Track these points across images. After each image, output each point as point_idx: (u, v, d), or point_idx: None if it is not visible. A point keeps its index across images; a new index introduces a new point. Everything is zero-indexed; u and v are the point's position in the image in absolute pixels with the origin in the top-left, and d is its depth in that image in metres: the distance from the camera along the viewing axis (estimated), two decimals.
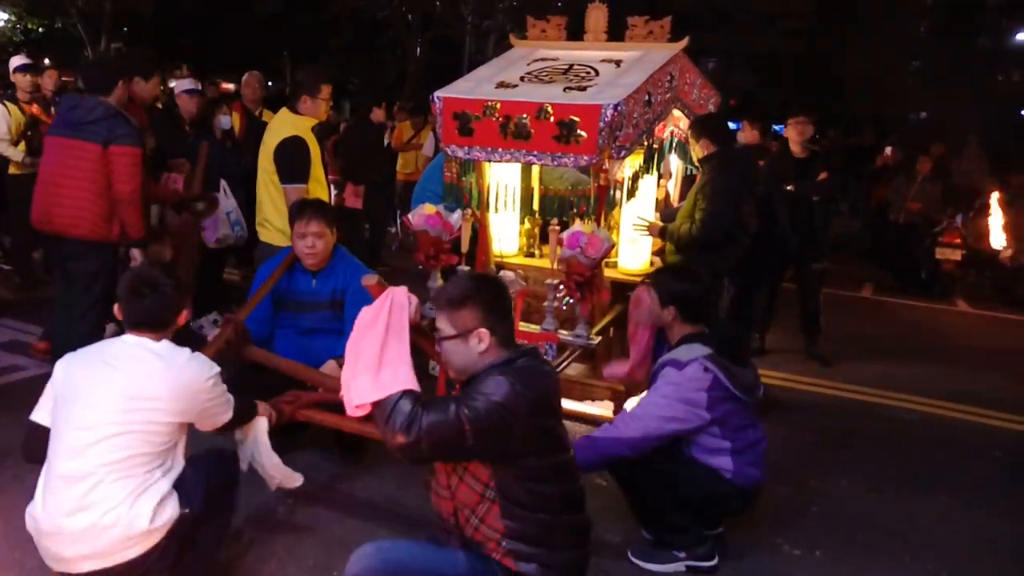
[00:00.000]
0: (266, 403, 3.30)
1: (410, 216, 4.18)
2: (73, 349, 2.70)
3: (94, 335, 4.52)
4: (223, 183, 5.76)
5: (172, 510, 2.62)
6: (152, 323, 2.69)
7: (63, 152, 4.38)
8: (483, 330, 2.39)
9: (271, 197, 4.71)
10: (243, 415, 2.99)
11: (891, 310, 8.67)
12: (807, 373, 6.01)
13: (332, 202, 5.82)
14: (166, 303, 2.70)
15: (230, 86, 23.85)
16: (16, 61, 6.83)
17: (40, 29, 21.84)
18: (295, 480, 3.14)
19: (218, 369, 2.76)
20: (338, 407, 3.28)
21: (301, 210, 3.99)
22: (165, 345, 2.70)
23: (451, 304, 2.43)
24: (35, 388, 4.18)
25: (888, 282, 9.74)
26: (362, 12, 19.59)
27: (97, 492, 2.51)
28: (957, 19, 27.13)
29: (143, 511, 2.55)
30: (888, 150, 12.04)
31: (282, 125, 4.69)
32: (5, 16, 21.11)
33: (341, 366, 3.65)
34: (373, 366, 2.31)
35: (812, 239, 6.02)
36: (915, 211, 9.53)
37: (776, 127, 9.99)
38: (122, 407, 2.53)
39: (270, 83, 30.75)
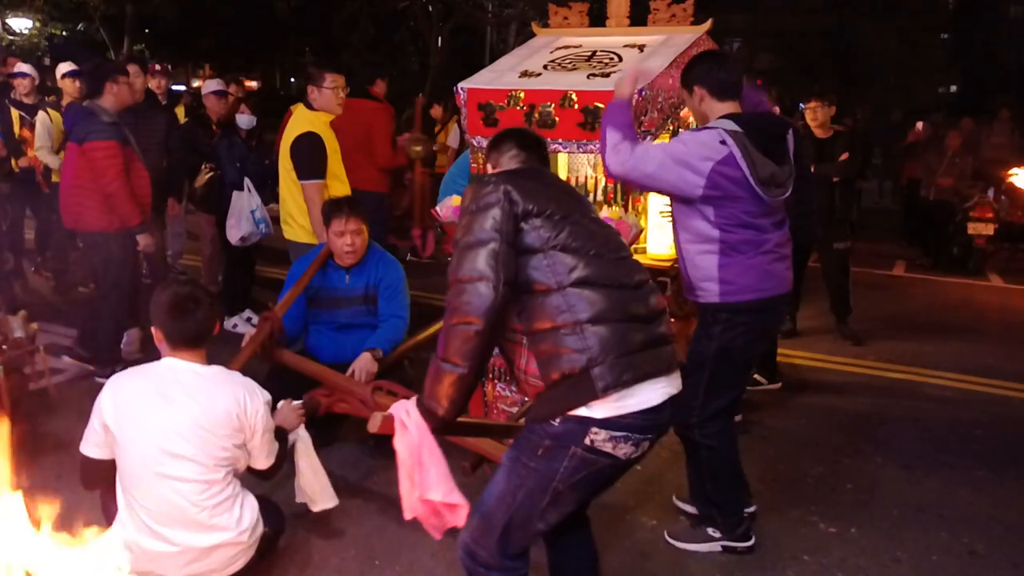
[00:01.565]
0: (308, 395, 3.38)
1: (438, 208, 4.22)
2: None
3: (110, 322, 4.87)
4: (247, 181, 5.83)
5: (259, 525, 2.78)
6: (201, 338, 2.70)
7: (66, 156, 4.92)
8: (488, 165, 2.60)
9: (292, 194, 4.75)
10: (281, 456, 2.99)
11: (924, 287, 8.59)
12: (840, 352, 5.98)
13: None
14: (211, 316, 2.73)
15: (253, 84, 24.01)
16: (64, 67, 6.93)
17: (63, 33, 22.11)
18: (331, 501, 3.23)
19: (269, 397, 2.82)
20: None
21: (338, 208, 3.99)
22: (217, 370, 2.72)
23: None
24: (75, 389, 4.32)
25: (920, 259, 9.65)
26: (383, 4, 19.63)
27: (189, 521, 2.63)
28: None
29: (246, 522, 2.72)
30: (919, 126, 11.86)
31: (298, 122, 4.73)
32: (29, 23, 21.39)
33: (375, 357, 3.78)
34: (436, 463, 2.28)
35: (832, 219, 5.98)
36: (946, 187, 9.41)
37: (802, 105, 9.88)
38: (194, 436, 2.59)
39: (292, 79, 30.98)
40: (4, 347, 3.93)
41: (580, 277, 2.18)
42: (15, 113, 6.72)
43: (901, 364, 5.79)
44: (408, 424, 2.25)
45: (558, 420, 2.18)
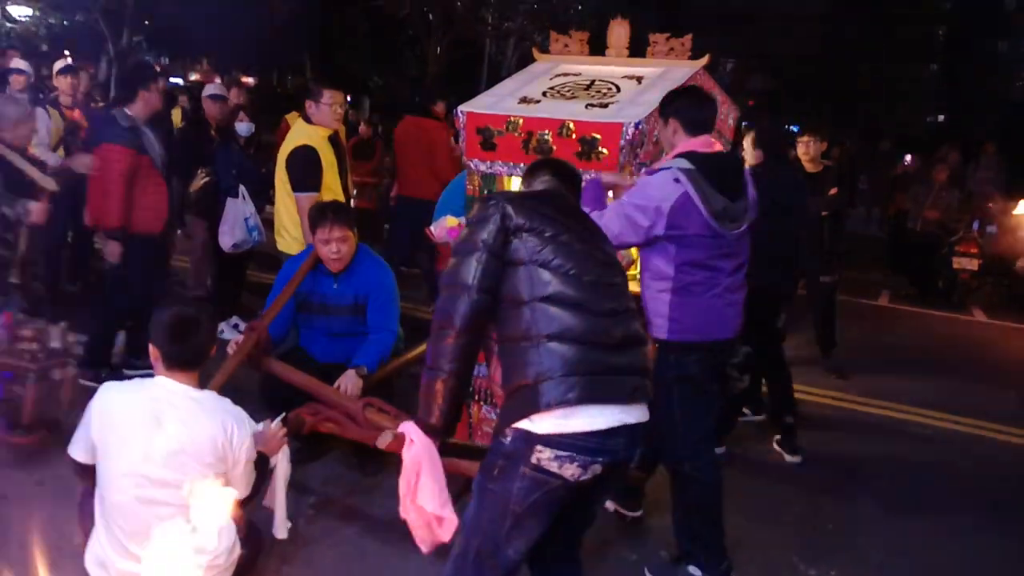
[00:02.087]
0: (294, 413, 3.37)
1: (433, 228, 4.22)
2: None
3: (107, 324, 4.94)
4: (242, 189, 5.83)
5: (237, 547, 2.73)
6: (197, 362, 2.68)
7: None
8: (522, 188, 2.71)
9: (287, 206, 4.76)
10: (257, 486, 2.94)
11: (908, 319, 8.68)
12: (824, 386, 6.01)
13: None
14: (211, 339, 2.72)
15: (250, 80, 23.92)
16: (59, 64, 6.90)
17: (65, 23, 21.93)
18: (282, 534, 3.20)
19: (257, 426, 2.82)
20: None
21: (322, 215, 3.97)
22: (210, 396, 2.71)
23: None
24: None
25: (905, 290, 9.74)
26: (382, 10, 19.64)
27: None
28: (975, 23, 27.05)
29: (223, 544, 2.66)
30: (908, 158, 12.02)
31: (296, 135, 4.75)
32: (29, 12, 21.21)
33: (360, 375, 3.77)
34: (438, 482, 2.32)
35: (820, 252, 6.02)
36: (932, 220, 9.51)
37: (793, 127, 10.02)
38: (178, 462, 2.56)
39: (290, 77, 30.90)
40: (40, 356, 3.86)
41: (551, 294, 2.24)
42: None
43: (884, 400, 5.83)
44: (416, 440, 2.32)
45: (508, 437, 2.24)
